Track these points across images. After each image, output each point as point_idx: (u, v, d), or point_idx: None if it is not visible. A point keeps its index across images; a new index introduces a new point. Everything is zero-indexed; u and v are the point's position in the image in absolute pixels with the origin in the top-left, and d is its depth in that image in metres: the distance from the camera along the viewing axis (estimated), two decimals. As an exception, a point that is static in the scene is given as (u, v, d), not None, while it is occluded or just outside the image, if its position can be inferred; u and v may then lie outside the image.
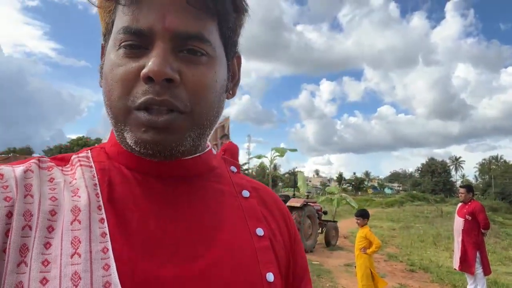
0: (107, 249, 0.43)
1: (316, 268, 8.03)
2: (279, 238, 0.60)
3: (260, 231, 0.57)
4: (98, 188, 0.49)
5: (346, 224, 15.32)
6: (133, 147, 0.50)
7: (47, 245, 0.42)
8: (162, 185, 0.53)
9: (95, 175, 0.51)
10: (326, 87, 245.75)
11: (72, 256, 0.41)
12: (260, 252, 0.55)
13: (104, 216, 0.46)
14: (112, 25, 0.51)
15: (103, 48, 0.56)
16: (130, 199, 0.50)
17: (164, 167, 0.54)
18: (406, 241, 12.77)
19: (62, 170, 0.52)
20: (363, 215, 5.61)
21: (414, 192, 59.86)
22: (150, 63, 0.46)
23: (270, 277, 0.54)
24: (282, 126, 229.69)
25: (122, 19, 0.49)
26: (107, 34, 0.54)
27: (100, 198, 0.48)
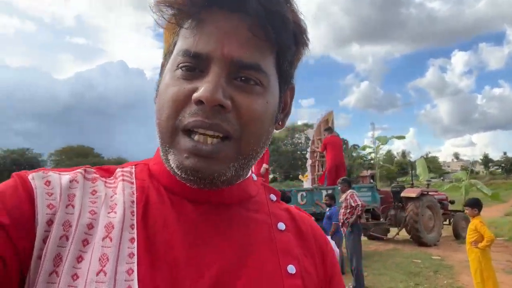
0: (132, 271, 0.44)
1: (436, 263, 7.38)
2: (313, 276, 0.57)
3: (292, 269, 0.53)
4: (135, 206, 0.50)
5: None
6: (175, 170, 0.50)
7: (79, 258, 0.43)
8: (196, 210, 0.53)
9: (134, 192, 0.52)
10: (458, 59, 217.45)
11: (98, 273, 0.42)
12: None
13: (135, 235, 0.47)
14: (174, 46, 0.52)
15: (163, 66, 0.57)
16: (162, 221, 0.50)
17: (202, 193, 0.54)
18: None
19: (105, 182, 0.53)
20: (472, 204, 4.98)
21: None
22: (203, 88, 0.46)
23: None
24: (408, 109, 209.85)
25: (183, 41, 0.50)
26: (168, 54, 0.54)
27: (135, 217, 0.48)
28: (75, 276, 0.41)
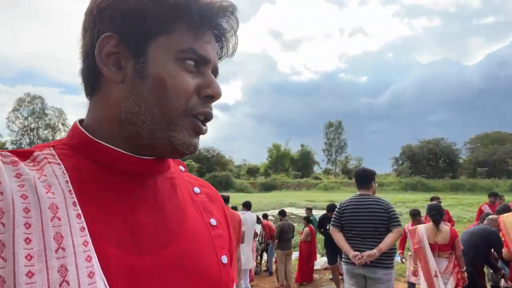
0: (87, 242, 0.47)
1: None
2: (224, 226, 0.71)
3: (213, 221, 0.67)
4: (70, 185, 0.51)
5: None
6: (177, 146, 0.57)
7: (27, 240, 0.43)
8: (130, 180, 0.58)
9: (65, 172, 0.52)
10: None
11: (56, 250, 0.44)
12: (216, 239, 0.65)
13: (80, 211, 0.49)
14: (160, 34, 0.56)
15: (120, 43, 0.56)
16: (101, 194, 0.54)
17: (135, 164, 0.59)
18: None
19: (26, 165, 0.52)
20: None
21: None
22: (215, 86, 0.59)
23: (224, 259, 0.65)
24: None
25: (188, 40, 0.57)
26: (142, 35, 0.56)
27: (74, 195, 0.50)
28: (28, 257, 0.43)
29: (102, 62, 0.57)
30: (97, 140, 0.57)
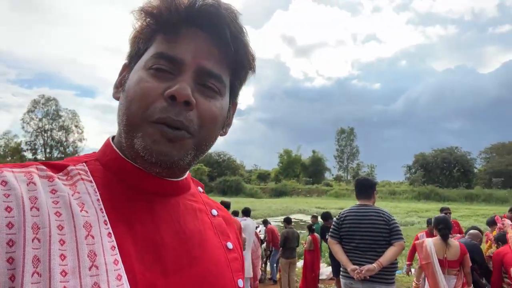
0: (118, 261, 0.48)
1: None
2: (238, 250, 0.72)
3: (230, 245, 0.68)
4: (101, 203, 0.52)
5: None
6: (140, 153, 0.55)
7: (61, 256, 0.44)
8: (154, 200, 0.59)
9: (96, 190, 0.54)
10: None
11: (90, 268, 0.45)
12: (232, 263, 0.66)
13: (110, 230, 0.50)
14: (145, 51, 0.60)
15: (125, 67, 0.64)
16: (128, 213, 0.55)
17: (159, 185, 0.60)
18: None
19: (61, 180, 0.53)
20: None
21: None
22: (177, 86, 0.54)
23: (240, 283, 0.66)
24: None
25: (158, 46, 0.58)
26: (135, 56, 0.61)
27: (105, 214, 0.51)
28: (63, 273, 0.43)
29: (115, 85, 0.65)
30: (125, 158, 0.59)
